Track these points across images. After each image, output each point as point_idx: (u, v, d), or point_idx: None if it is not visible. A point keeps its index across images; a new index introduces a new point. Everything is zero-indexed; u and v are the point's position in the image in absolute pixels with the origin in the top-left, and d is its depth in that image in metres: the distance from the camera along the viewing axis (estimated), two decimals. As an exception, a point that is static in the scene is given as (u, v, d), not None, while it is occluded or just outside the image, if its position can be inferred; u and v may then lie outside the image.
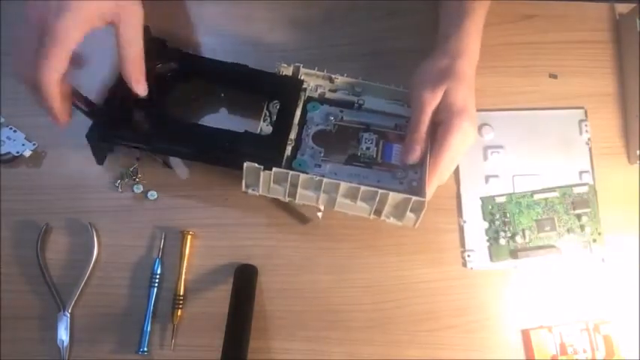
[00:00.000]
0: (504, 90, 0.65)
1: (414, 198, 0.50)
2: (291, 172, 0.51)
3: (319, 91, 0.59)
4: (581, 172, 0.62)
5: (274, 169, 0.51)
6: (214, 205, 0.60)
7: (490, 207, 0.61)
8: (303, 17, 0.65)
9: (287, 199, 0.54)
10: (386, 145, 0.56)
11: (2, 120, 0.60)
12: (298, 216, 0.60)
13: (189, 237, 0.59)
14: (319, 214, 0.57)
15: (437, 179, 0.53)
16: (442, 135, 0.52)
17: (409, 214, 0.52)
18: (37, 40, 0.46)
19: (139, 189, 0.60)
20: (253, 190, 0.54)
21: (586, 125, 0.64)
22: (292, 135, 0.55)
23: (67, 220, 0.59)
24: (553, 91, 0.65)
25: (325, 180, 0.51)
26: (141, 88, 0.52)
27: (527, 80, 0.65)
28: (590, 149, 0.63)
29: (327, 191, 0.52)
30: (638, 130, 0.62)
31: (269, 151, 0.53)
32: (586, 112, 0.64)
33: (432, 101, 0.52)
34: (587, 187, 0.62)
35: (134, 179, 0.60)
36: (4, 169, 0.60)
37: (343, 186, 0.51)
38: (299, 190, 0.52)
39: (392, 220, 0.53)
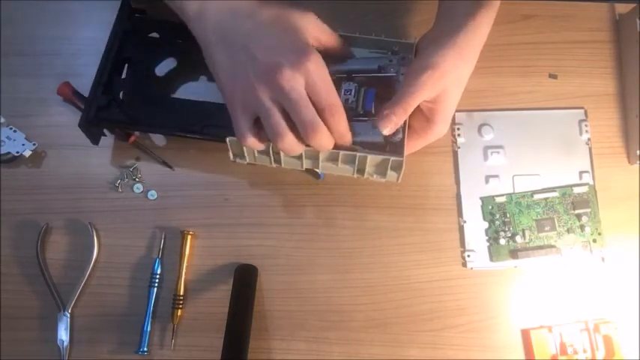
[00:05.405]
0: (504, 90, 0.64)
1: (391, 158, 0.50)
2: (271, 143, 0.51)
3: None
4: (581, 172, 0.62)
5: None
6: (214, 205, 0.60)
7: (490, 207, 0.61)
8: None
9: (274, 166, 0.54)
10: (368, 91, 0.53)
11: (2, 120, 0.60)
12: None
13: (189, 237, 0.59)
14: (318, 170, 0.56)
15: (432, 138, 0.54)
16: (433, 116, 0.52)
17: (390, 172, 0.52)
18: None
19: (139, 189, 0.60)
20: (241, 159, 0.54)
21: (586, 125, 0.63)
22: None
23: (67, 220, 0.59)
24: (553, 91, 0.65)
25: (305, 148, 0.50)
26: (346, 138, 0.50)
27: (527, 80, 0.65)
28: (590, 149, 0.63)
29: (309, 157, 0.53)
30: (638, 130, 0.62)
31: None
32: (586, 112, 0.64)
33: (431, 90, 0.51)
34: (587, 187, 0.62)
35: (134, 179, 0.60)
36: (4, 169, 0.60)
37: (322, 152, 0.51)
38: (282, 156, 0.53)
39: (375, 177, 0.53)
